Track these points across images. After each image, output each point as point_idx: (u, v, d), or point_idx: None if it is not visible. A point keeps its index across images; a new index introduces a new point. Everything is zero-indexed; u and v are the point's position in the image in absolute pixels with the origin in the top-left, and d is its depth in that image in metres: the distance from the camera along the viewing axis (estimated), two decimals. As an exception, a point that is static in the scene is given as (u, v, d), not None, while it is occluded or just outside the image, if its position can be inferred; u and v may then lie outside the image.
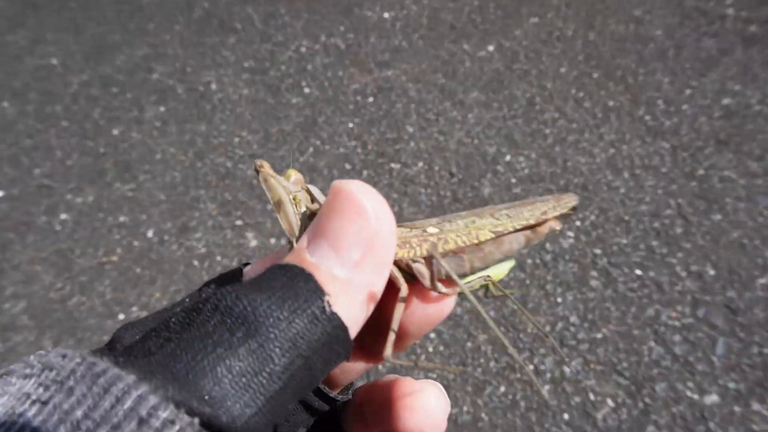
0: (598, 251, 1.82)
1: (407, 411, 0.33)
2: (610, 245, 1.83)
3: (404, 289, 0.34)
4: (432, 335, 1.65)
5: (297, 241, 0.34)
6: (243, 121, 2.43)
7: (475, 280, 0.41)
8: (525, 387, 1.53)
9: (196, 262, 1.93)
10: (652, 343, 1.56)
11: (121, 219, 2.09)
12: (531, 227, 0.39)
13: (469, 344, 1.63)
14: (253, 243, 1.94)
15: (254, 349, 0.25)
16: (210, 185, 2.18)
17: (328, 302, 0.27)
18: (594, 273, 1.76)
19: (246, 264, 0.38)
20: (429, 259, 0.36)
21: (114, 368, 0.23)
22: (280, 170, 0.38)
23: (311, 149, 2.27)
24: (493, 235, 0.37)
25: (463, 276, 0.38)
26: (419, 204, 2.02)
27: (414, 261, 0.36)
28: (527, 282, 1.75)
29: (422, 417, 0.33)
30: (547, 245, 1.84)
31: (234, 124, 2.42)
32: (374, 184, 2.09)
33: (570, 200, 0.40)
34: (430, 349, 1.62)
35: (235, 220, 2.04)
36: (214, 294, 0.27)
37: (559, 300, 1.70)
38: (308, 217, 0.36)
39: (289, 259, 0.29)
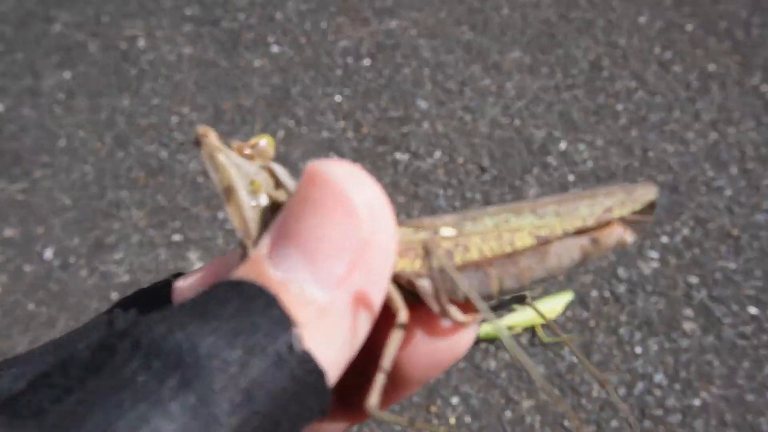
0: (694, 280, 1.82)
1: None
2: (711, 271, 1.83)
3: (403, 314, 0.34)
4: (455, 399, 1.65)
5: (254, 245, 0.34)
6: (183, 92, 2.44)
7: (507, 305, 0.42)
8: None
9: (115, 295, 1.92)
10: (774, 413, 1.58)
11: (7, 233, 2.08)
12: (589, 232, 0.38)
13: (508, 413, 1.63)
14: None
15: (192, 404, 0.24)
16: (136, 184, 2.18)
17: (298, 336, 0.27)
18: (688, 312, 1.76)
19: (177, 275, 0.38)
20: (441, 274, 0.36)
21: None
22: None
23: (281, 132, 2.28)
24: (534, 242, 0.37)
25: (488, 299, 0.37)
26: (435, 211, 2.02)
27: (419, 276, 0.36)
28: (591, 324, 1.75)
29: None
30: (620, 271, 1.84)
31: (171, 97, 2.42)
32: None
33: (646, 192, 0.39)
34: (452, 420, 1.61)
35: (171, 233, 2.05)
36: (135, 325, 0.26)
37: (638, 350, 1.70)
38: (271, 211, 0.36)
39: (244, 272, 0.29)
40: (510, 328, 1.73)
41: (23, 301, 1.92)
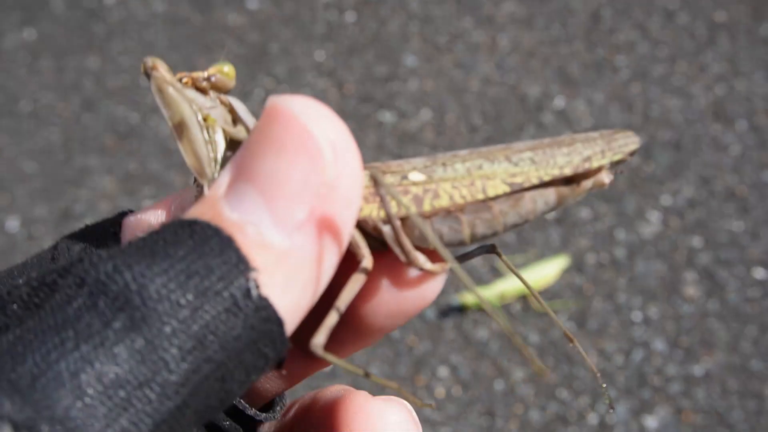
0: (697, 243, 1.81)
1: None
2: (715, 233, 1.82)
3: (368, 260, 0.35)
4: (444, 370, 1.65)
5: (208, 184, 0.34)
6: (155, 51, 2.40)
7: (477, 254, 0.42)
8: None
9: None
10: (780, 381, 1.58)
11: (-30, 202, 2.08)
12: (567, 180, 0.39)
13: (499, 385, 1.63)
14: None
15: (140, 348, 0.25)
16: (105, 149, 2.17)
17: (255, 281, 0.27)
18: (691, 276, 1.75)
19: (125, 213, 0.38)
20: (408, 220, 0.36)
21: None
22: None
23: (260, 92, 2.26)
24: (508, 189, 0.38)
25: (461, 245, 0.38)
26: None
27: (385, 222, 0.36)
28: (588, 290, 1.75)
29: None
30: (619, 234, 1.83)
31: (141, 56, 2.37)
32: (357, 142, 2.09)
33: (627, 142, 0.40)
34: (440, 391, 1.61)
35: (142, 200, 2.04)
36: (80, 261, 0.26)
37: (638, 317, 1.69)
38: (228, 148, 0.36)
39: (198, 212, 0.29)
40: (501, 296, 1.71)
41: (-15, 274, 1.91)
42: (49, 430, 0.23)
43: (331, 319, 0.33)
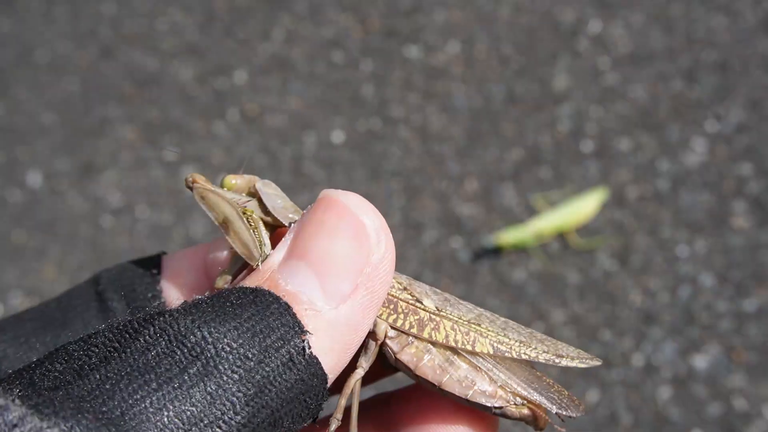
0: (746, 170, 1.74)
1: None
2: (766, 159, 1.74)
3: (361, 372, 0.43)
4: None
5: (261, 263, 0.40)
6: None
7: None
8: (628, 390, 1.48)
9: (108, 221, 1.92)
10: (839, 315, 1.52)
11: (-8, 158, 2.08)
12: (525, 400, 0.45)
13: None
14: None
15: (211, 391, 0.29)
16: (125, 98, 2.15)
17: (308, 342, 0.33)
18: (740, 206, 1.69)
19: (163, 253, 0.46)
20: (404, 338, 0.44)
21: (29, 413, 0.26)
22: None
23: (281, 33, 2.20)
24: (491, 351, 0.45)
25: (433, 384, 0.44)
26: (454, 111, 1.95)
27: (388, 336, 0.43)
28: (629, 225, 1.69)
29: None
30: (662, 164, 1.75)
31: (157, 0, 2.36)
32: (382, 81, 2.05)
33: (591, 360, 0.49)
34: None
35: (164, 148, 2.03)
36: (160, 315, 0.32)
37: (683, 252, 1.64)
38: (266, 231, 0.43)
39: (256, 282, 0.35)
40: (538, 235, 1.64)
41: (8, 231, 1.92)
42: None
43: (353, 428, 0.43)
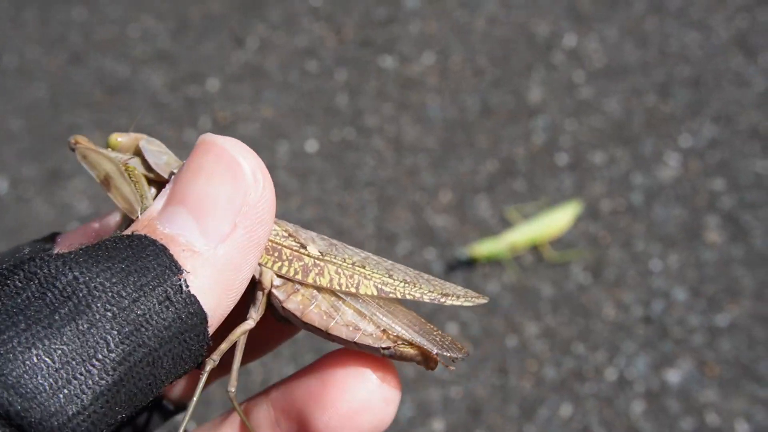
0: (719, 185, 1.74)
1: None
2: (738, 174, 1.75)
3: (251, 323, 0.44)
4: (453, 327, 1.61)
5: (141, 214, 0.41)
6: (145, 0, 2.34)
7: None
8: (601, 405, 1.48)
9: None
10: (810, 330, 1.53)
11: (-44, 164, 2.05)
12: (414, 340, 0.45)
13: (511, 341, 1.58)
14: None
15: (84, 330, 0.30)
16: (94, 104, 2.13)
17: (185, 281, 0.33)
18: (713, 220, 1.69)
19: (55, 234, 0.46)
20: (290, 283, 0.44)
21: None
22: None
23: (255, 41, 2.19)
24: (375, 293, 0.45)
25: (321, 328, 0.45)
26: (429, 122, 1.94)
27: (274, 285, 0.44)
28: (603, 238, 1.69)
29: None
30: (635, 178, 1.76)
31: (130, 6, 2.34)
32: (357, 91, 2.04)
33: (477, 298, 0.49)
34: (449, 352, 1.56)
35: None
36: (31, 260, 0.31)
37: (656, 266, 1.64)
38: (149, 187, 0.44)
39: (134, 229, 0.35)
40: (512, 247, 1.63)
41: (-29, 237, 1.89)
42: (2, 396, 0.27)
43: (235, 371, 0.44)
